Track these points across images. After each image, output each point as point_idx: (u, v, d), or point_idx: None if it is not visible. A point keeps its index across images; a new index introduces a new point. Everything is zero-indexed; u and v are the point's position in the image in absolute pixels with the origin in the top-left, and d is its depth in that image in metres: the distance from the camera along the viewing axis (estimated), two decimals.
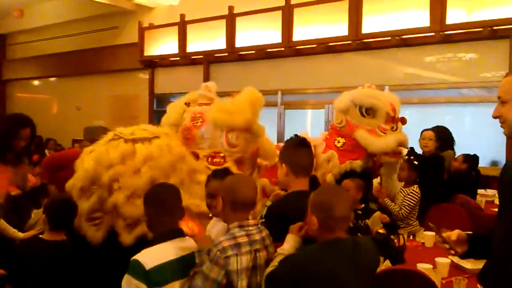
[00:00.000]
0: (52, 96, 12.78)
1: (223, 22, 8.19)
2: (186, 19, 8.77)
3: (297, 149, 2.34)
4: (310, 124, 8.11)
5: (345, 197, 1.97)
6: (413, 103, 6.83)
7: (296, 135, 2.47)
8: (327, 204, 1.88)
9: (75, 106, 11.73)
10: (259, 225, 2.11)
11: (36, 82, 13.23)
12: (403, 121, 4.12)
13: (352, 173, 3.84)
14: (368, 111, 3.95)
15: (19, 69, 13.04)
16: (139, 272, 1.86)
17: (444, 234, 1.85)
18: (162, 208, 2.04)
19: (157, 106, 9.97)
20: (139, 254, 1.92)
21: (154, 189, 2.13)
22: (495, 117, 1.70)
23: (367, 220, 3.54)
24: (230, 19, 8.10)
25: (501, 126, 1.70)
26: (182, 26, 8.77)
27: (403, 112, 7.08)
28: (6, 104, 13.74)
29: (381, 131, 3.91)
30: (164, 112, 10.08)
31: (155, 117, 9.94)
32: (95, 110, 11.22)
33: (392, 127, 3.98)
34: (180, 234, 2.04)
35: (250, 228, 2.02)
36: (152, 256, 1.91)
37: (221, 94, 9.42)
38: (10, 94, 13.86)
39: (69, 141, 10.93)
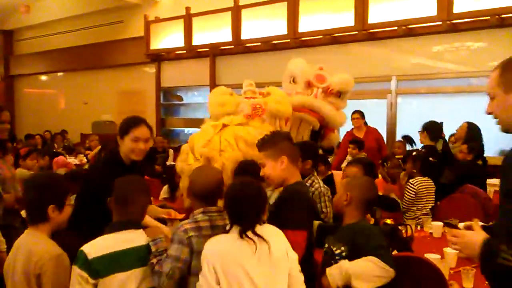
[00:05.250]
0: (60, 91, 12.85)
1: (228, 14, 8.18)
2: (192, 11, 8.77)
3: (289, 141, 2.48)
4: None
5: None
6: (420, 93, 6.80)
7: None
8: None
9: (83, 100, 11.79)
10: (223, 213, 2.18)
11: (43, 77, 13.31)
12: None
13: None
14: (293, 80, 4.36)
15: (27, 64, 13.12)
16: (82, 261, 1.93)
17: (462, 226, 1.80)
18: (119, 201, 2.09)
19: (164, 100, 10.00)
20: (86, 244, 1.98)
21: (118, 182, 2.13)
22: (488, 113, 1.69)
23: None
24: (236, 11, 8.09)
25: (497, 123, 1.69)
26: (187, 19, 8.77)
27: (410, 102, 7.12)
28: (14, 99, 13.84)
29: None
30: (172, 105, 10.17)
31: (162, 110, 9.98)
32: (103, 105, 11.28)
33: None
34: (131, 226, 2.07)
35: (213, 214, 2.15)
36: (97, 247, 1.97)
37: (228, 87, 9.42)
38: (18, 90, 13.95)
39: (78, 136, 11.01)
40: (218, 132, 3.43)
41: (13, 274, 2.00)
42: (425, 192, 4.23)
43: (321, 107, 4.06)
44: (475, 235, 1.58)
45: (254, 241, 1.89)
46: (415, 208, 4.19)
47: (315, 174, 3.42)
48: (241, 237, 1.89)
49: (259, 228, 1.95)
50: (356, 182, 2.36)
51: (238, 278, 1.85)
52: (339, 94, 4.20)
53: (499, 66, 1.63)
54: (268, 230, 1.97)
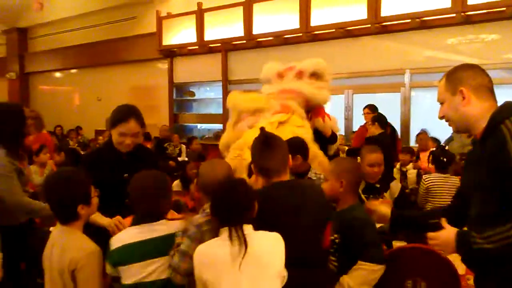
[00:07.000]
0: (74, 88, 12.97)
1: (240, 9, 8.17)
2: (203, 7, 8.78)
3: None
4: (329, 109, 8.08)
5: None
6: (434, 86, 6.73)
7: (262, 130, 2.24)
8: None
9: (97, 97, 11.88)
10: None
11: (57, 74, 13.43)
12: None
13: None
14: None
15: (41, 61, 13.25)
16: (108, 252, 2.04)
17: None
18: (141, 194, 2.10)
19: (177, 95, 10.04)
20: (114, 235, 2.10)
21: (138, 176, 2.15)
22: (440, 118, 1.92)
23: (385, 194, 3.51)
24: (247, 6, 8.08)
25: (449, 125, 1.90)
26: (199, 14, 8.79)
27: (424, 95, 7.05)
28: (30, 96, 14.00)
29: None
30: (185, 101, 10.19)
31: (175, 106, 10.03)
32: (116, 101, 11.21)
33: None
34: (153, 218, 2.09)
35: None
36: (120, 238, 2.06)
37: (240, 82, 9.49)
38: (33, 87, 14.10)
39: (92, 132, 11.11)
40: (275, 129, 3.41)
41: (50, 270, 2.05)
42: (437, 189, 4.20)
43: (298, 87, 3.99)
44: (447, 232, 1.75)
45: (240, 243, 1.78)
46: (431, 205, 4.17)
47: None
48: (230, 238, 1.79)
49: (248, 231, 1.84)
50: (346, 167, 2.41)
51: (226, 283, 1.77)
52: (316, 76, 4.10)
53: (445, 74, 1.91)
54: (256, 233, 1.87)
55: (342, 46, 7.25)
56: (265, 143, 2.12)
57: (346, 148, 6.64)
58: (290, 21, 7.58)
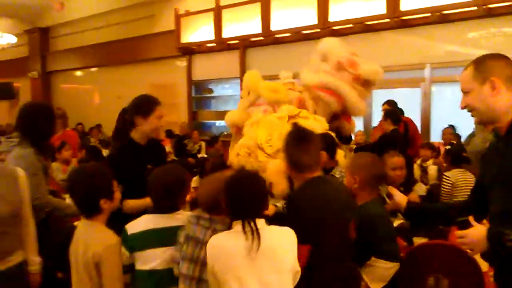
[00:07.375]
0: (94, 86, 13.13)
1: (258, 6, 8.16)
2: (221, 4, 8.79)
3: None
4: None
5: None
6: (456, 81, 6.64)
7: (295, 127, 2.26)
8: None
9: (116, 95, 12.00)
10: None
11: (78, 73, 13.62)
12: None
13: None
14: None
15: (62, 60, 13.46)
16: (123, 237, 2.13)
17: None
18: (159, 189, 2.17)
19: (196, 93, 10.08)
20: (131, 222, 2.18)
21: (157, 171, 2.23)
22: (463, 108, 1.83)
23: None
24: (265, 2, 8.06)
25: (472, 115, 1.82)
26: (217, 11, 8.80)
27: (446, 90, 6.96)
28: (52, 95, 14.23)
29: None
30: (203, 98, 10.22)
31: (194, 103, 10.07)
32: None
33: None
34: (169, 210, 2.17)
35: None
36: (136, 224, 2.15)
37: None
38: (55, 85, 14.33)
39: (112, 129, 11.22)
40: (286, 124, 3.40)
41: (76, 264, 2.11)
42: (463, 184, 4.16)
43: (347, 93, 3.93)
44: (477, 230, 1.68)
45: (254, 236, 1.78)
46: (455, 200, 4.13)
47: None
48: (244, 231, 1.79)
49: (260, 225, 1.84)
50: (360, 163, 2.40)
51: (236, 275, 1.78)
52: (366, 84, 4.09)
53: (472, 63, 1.79)
54: (269, 228, 1.87)
55: (361, 41, 7.18)
56: (299, 137, 2.13)
57: (354, 146, 6.58)
58: (308, 16, 7.54)
